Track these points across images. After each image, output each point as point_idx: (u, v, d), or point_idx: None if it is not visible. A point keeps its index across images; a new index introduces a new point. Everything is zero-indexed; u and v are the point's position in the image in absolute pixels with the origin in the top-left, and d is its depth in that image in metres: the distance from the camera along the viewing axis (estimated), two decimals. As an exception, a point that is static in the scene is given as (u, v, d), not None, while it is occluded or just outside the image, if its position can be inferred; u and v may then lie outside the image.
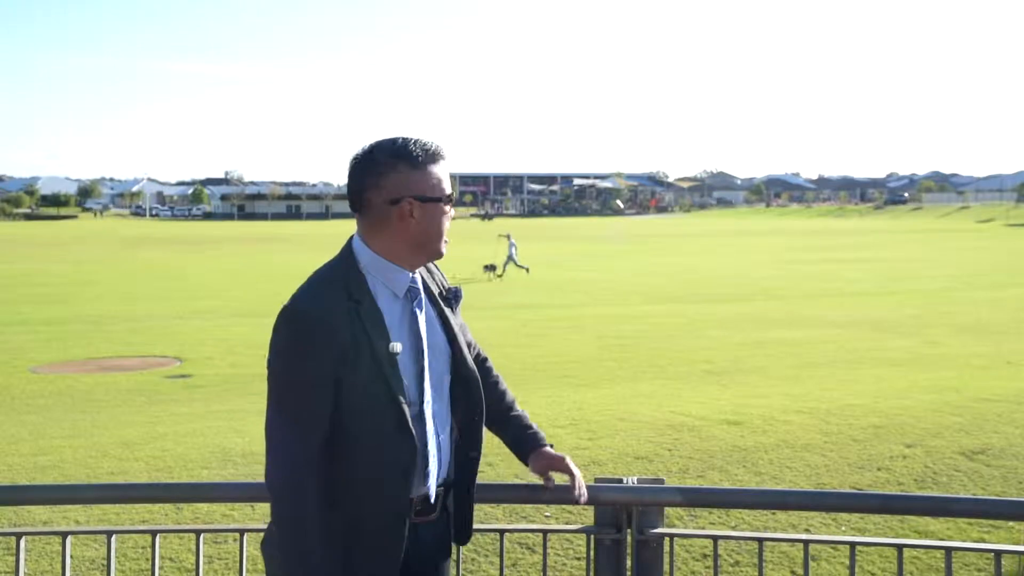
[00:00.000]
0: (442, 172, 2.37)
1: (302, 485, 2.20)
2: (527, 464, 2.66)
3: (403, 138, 2.36)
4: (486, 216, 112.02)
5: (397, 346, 2.30)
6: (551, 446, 2.66)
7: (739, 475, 5.74)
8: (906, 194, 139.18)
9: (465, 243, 41.48)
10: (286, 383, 2.26)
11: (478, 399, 2.49)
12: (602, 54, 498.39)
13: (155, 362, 13.09)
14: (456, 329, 2.48)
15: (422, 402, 2.35)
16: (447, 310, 2.48)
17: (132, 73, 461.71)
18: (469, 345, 2.56)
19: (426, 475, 2.37)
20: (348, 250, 2.38)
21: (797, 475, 5.75)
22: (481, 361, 2.64)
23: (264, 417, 2.32)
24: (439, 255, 2.41)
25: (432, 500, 2.40)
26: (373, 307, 2.30)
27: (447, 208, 2.38)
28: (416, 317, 2.39)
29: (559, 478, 2.66)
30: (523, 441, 2.65)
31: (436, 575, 2.49)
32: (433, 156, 2.36)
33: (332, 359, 2.21)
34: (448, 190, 2.38)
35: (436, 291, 2.48)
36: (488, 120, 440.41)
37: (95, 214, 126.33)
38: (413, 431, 2.28)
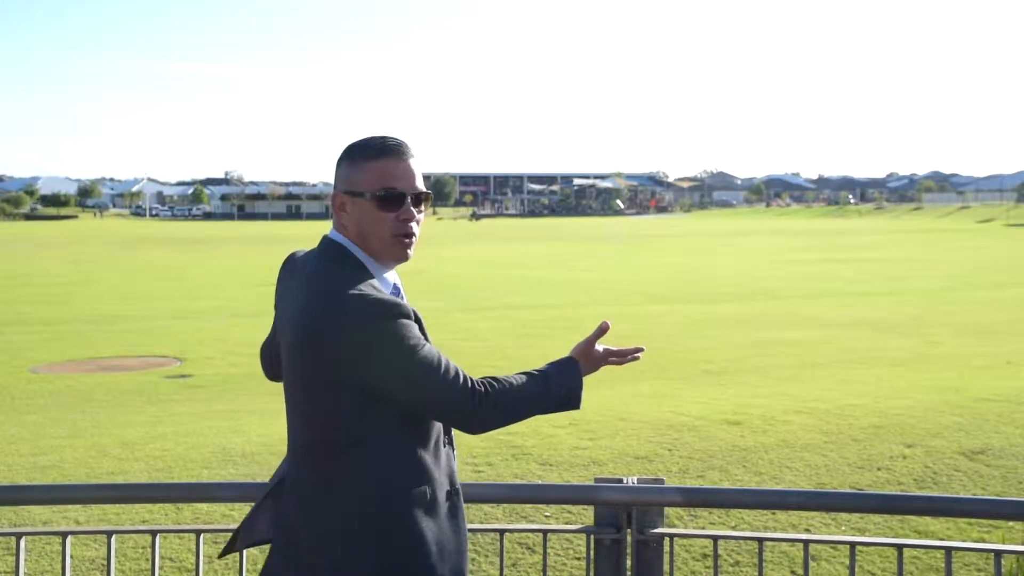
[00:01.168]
0: (389, 169, 2.31)
1: (491, 395, 2.30)
2: None
3: (366, 136, 2.38)
4: (474, 217, 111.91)
5: None
6: None
7: (739, 475, 5.74)
8: (851, 197, 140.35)
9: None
10: (422, 347, 2.24)
11: None
12: (602, 54, 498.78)
13: (155, 362, 13.09)
14: None
15: None
16: None
17: (132, 73, 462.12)
18: None
19: None
20: (342, 250, 2.34)
21: (797, 475, 5.76)
22: None
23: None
24: (400, 257, 2.36)
25: None
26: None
27: (383, 206, 2.30)
28: None
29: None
30: None
31: None
32: (378, 152, 2.32)
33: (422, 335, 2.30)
34: (387, 186, 2.30)
35: None
36: (488, 120, 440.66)
37: (95, 214, 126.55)
38: None
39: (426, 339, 2.28)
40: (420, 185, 2.36)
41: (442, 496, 2.33)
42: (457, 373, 2.28)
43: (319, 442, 2.29)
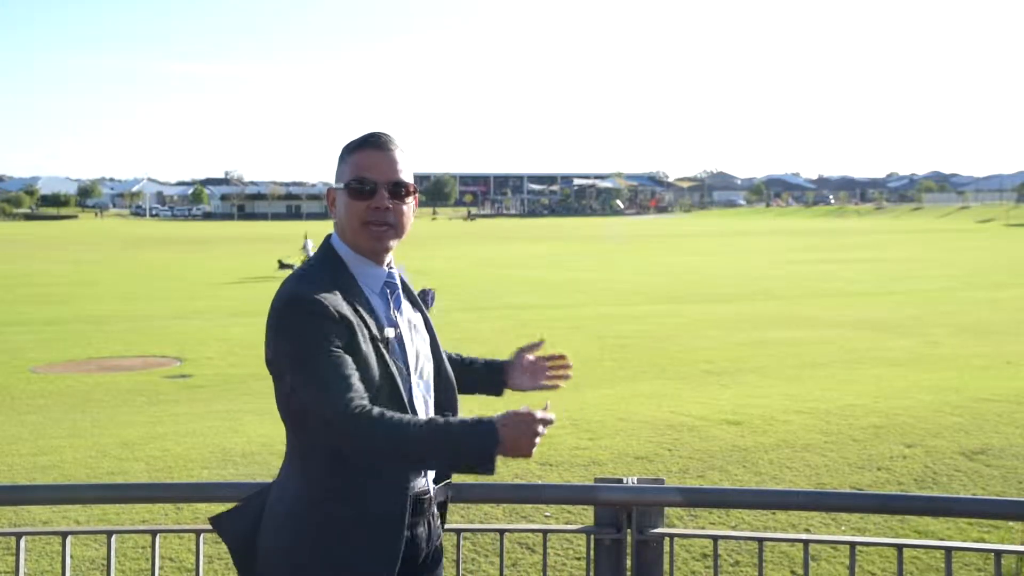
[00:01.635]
0: (363, 160, 2.32)
1: (363, 416, 2.09)
2: (509, 383, 2.72)
3: None
4: (469, 217, 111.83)
5: (390, 331, 2.30)
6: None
7: (739, 475, 5.74)
8: (831, 197, 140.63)
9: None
10: (316, 355, 2.16)
11: (453, 401, 2.48)
12: (602, 54, 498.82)
13: (155, 362, 13.09)
14: (435, 333, 2.50)
15: (412, 397, 2.33)
16: (425, 314, 2.50)
17: (132, 73, 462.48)
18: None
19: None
20: (327, 246, 2.39)
21: (797, 475, 5.75)
22: (455, 358, 2.68)
23: (278, 415, 2.32)
24: (373, 248, 2.33)
25: (430, 495, 2.39)
26: (361, 296, 2.31)
27: (354, 195, 2.31)
28: (398, 312, 2.38)
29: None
30: (491, 369, 2.71)
31: None
32: (357, 145, 2.35)
33: (340, 338, 2.19)
34: (358, 176, 2.31)
35: (412, 294, 2.49)
36: (488, 120, 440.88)
37: (96, 213, 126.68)
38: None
39: (356, 346, 2.20)
40: (400, 176, 2.33)
41: (379, 506, 2.26)
42: (347, 386, 2.12)
43: (286, 430, 2.37)
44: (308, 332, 2.17)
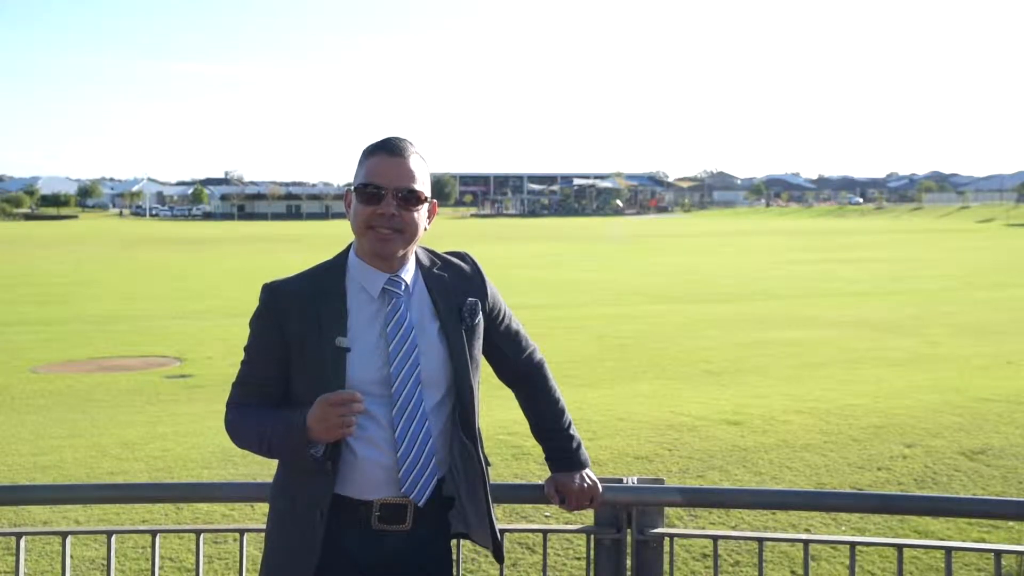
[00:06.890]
0: (375, 166, 2.34)
1: (228, 407, 2.43)
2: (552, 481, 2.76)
3: None
4: None
5: (344, 341, 2.28)
6: (580, 465, 2.70)
7: (739, 475, 5.74)
8: (811, 200, 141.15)
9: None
10: (245, 350, 2.43)
11: (469, 421, 2.45)
12: (602, 54, 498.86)
13: (155, 362, 13.08)
14: (462, 344, 2.40)
15: (388, 406, 2.32)
16: (456, 323, 2.41)
17: (132, 73, 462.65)
18: (514, 349, 2.69)
19: (389, 480, 2.33)
20: (347, 247, 2.45)
21: (797, 475, 5.75)
22: (525, 372, 2.73)
23: None
24: (375, 251, 2.34)
25: (406, 509, 2.35)
26: (336, 302, 2.33)
27: (363, 200, 2.34)
28: (391, 319, 2.34)
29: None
30: (549, 464, 2.75)
31: None
32: (373, 148, 2.37)
33: (281, 341, 2.33)
34: (367, 182, 2.33)
35: (445, 301, 2.41)
36: (488, 120, 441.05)
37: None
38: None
39: (304, 341, 2.29)
40: (410, 184, 2.33)
41: (303, 504, 2.32)
42: (241, 376, 2.42)
43: None
44: (253, 319, 2.39)
